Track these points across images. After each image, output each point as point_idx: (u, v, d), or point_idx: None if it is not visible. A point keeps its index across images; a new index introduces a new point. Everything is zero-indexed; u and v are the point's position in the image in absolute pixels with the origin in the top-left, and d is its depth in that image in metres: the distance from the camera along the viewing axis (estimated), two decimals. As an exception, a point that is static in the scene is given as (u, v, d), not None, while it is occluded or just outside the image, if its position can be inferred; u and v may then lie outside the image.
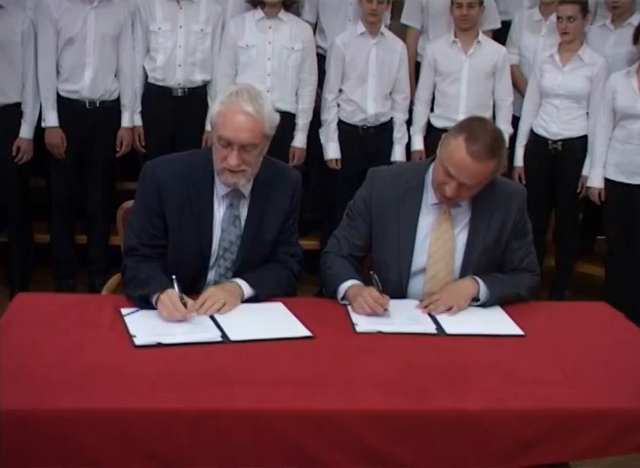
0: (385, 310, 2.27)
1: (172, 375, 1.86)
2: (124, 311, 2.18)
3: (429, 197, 2.43)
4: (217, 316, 2.19)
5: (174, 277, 2.17)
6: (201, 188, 2.37)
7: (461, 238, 2.44)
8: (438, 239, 2.43)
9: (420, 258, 2.44)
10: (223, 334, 2.09)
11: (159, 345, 2.00)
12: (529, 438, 1.82)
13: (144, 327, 2.09)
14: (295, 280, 2.52)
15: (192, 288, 2.39)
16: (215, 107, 2.30)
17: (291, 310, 2.27)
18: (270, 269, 2.45)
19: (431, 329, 2.23)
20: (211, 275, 2.44)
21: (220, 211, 2.39)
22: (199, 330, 2.11)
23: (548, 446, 1.83)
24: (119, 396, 1.76)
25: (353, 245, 2.50)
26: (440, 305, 2.32)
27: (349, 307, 2.33)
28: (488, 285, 2.39)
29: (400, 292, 2.43)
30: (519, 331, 2.24)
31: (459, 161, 2.25)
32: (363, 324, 2.22)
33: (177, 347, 2.00)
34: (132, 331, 2.07)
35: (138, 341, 2.01)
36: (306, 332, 2.13)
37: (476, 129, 2.27)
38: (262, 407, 1.76)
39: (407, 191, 2.44)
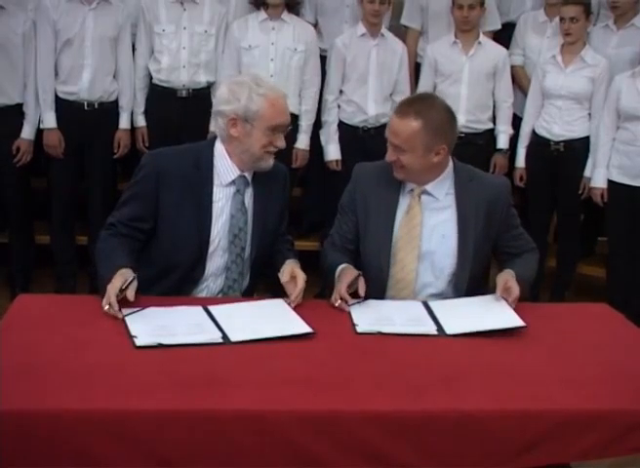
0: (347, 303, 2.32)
1: (172, 376, 1.86)
2: (125, 311, 2.17)
3: (407, 184, 2.50)
4: (217, 316, 2.18)
5: (134, 275, 2.20)
6: (201, 178, 2.40)
7: (450, 227, 2.46)
8: (405, 225, 2.48)
9: (396, 244, 2.49)
10: (224, 335, 2.09)
11: (160, 346, 2.00)
12: (529, 439, 1.82)
13: (145, 327, 2.09)
14: None
15: (189, 276, 2.42)
16: (252, 101, 2.35)
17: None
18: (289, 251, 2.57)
19: (431, 329, 2.23)
20: (211, 263, 2.44)
21: (220, 201, 2.42)
22: (200, 330, 2.11)
23: (549, 446, 1.83)
24: (120, 396, 1.76)
25: (344, 238, 2.57)
26: (514, 291, 2.33)
27: (350, 307, 2.32)
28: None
29: (383, 278, 2.47)
30: (520, 323, 2.23)
31: (389, 123, 2.43)
32: (363, 324, 2.22)
33: (177, 348, 2.00)
34: (132, 331, 2.07)
35: (138, 342, 2.01)
36: (307, 329, 2.14)
37: (413, 96, 2.46)
38: (263, 407, 1.76)
39: (388, 181, 2.51)
